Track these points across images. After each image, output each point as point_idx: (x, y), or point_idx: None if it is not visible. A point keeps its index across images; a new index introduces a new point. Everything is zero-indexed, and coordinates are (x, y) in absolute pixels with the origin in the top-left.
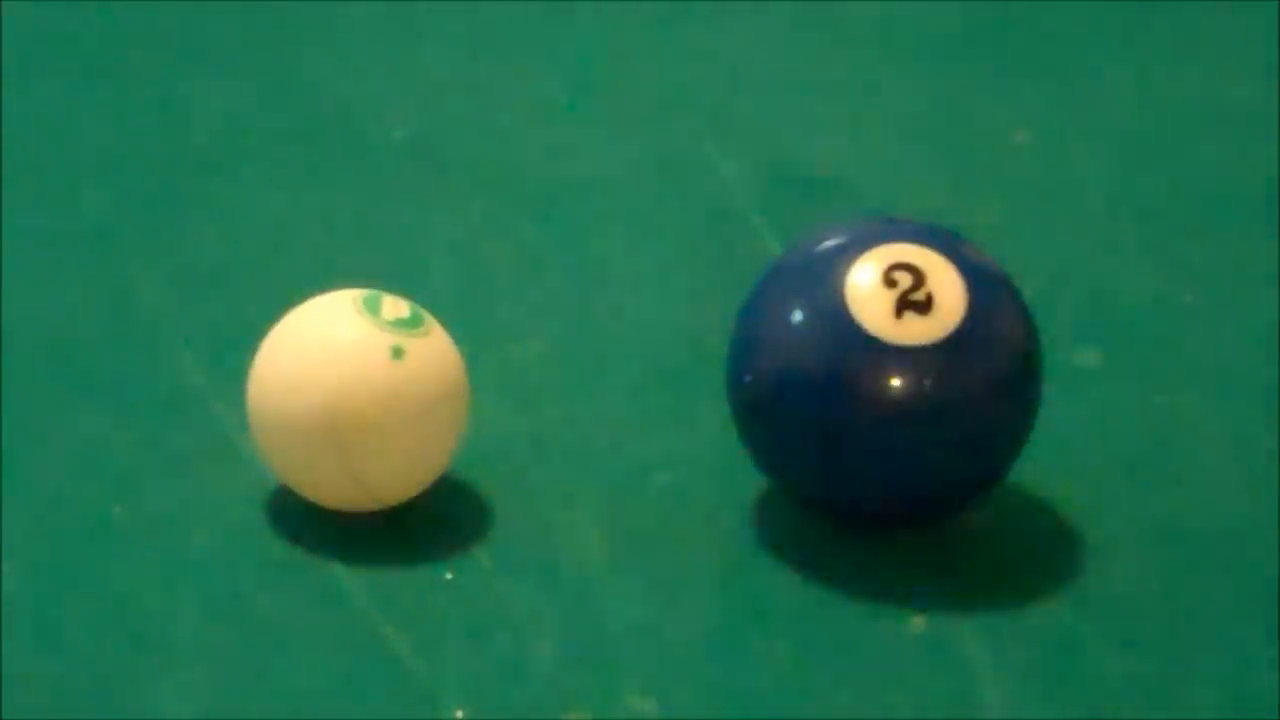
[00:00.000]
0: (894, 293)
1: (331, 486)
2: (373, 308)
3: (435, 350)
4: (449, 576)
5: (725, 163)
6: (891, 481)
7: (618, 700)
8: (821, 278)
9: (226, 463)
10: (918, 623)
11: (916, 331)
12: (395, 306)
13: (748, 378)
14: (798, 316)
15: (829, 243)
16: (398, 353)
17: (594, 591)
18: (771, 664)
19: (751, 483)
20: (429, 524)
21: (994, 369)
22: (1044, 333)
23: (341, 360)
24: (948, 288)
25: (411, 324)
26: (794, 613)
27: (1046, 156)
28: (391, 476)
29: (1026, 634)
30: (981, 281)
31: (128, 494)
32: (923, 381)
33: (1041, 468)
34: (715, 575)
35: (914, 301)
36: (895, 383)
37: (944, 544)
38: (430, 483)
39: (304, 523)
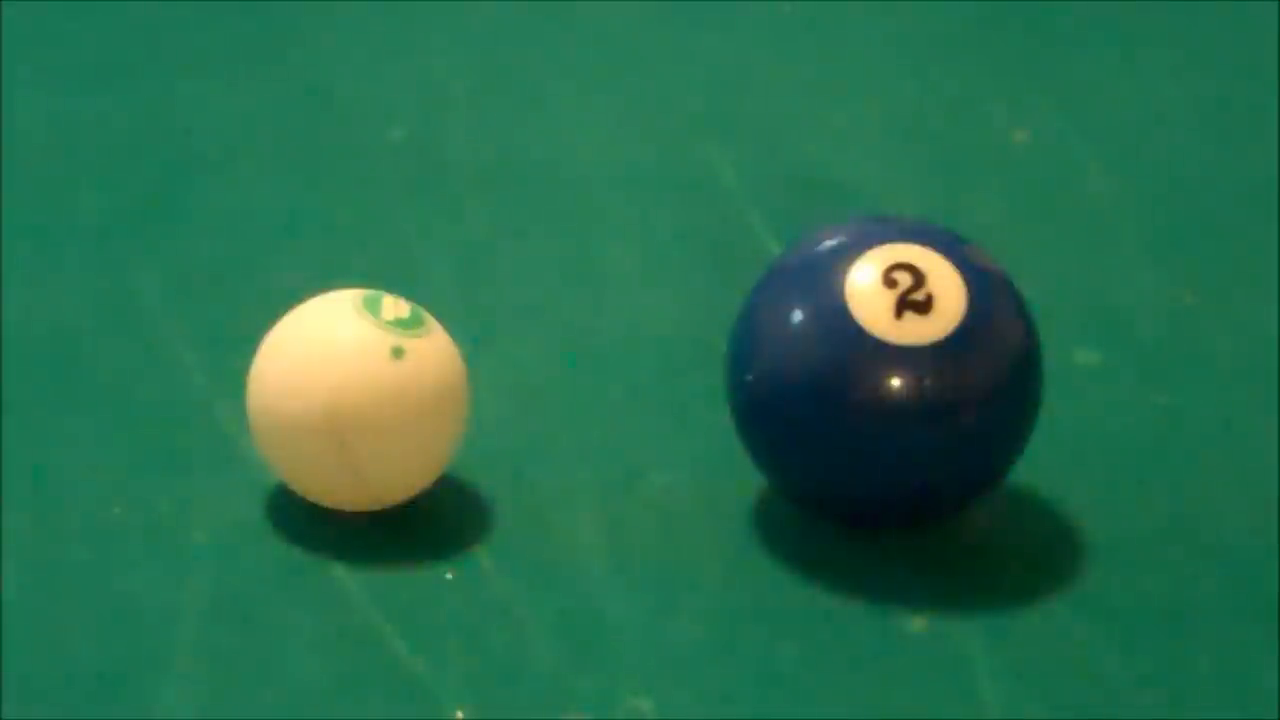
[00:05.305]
0: (894, 293)
1: (331, 486)
2: (373, 308)
3: (435, 350)
4: (449, 576)
5: (725, 163)
6: (891, 481)
7: (617, 700)
8: (821, 278)
9: (226, 463)
10: (918, 623)
11: (916, 331)
12: (395, 306)
13: (748, 378)
14: (798, 316)
15: (829, 243)
16: (398, 353)
17: (594, 591)
18: (771, 664)
19: (751, 483)
20: (429, 524)
21: (994, 369)
22: (1044, 333)
23: (341, 360)
24: (948, 288)
25: (411, 324)
26: (794, 613)
27: (1046, 156)
28: (391, 476)
29: (1026, 634)
30: (981, 281)
31: (128, 494)
32: (923, 381)
33: (1041, 468)
34: (715, 575)
35: (914, 301)
36: (895, 383)
37: (944, 544)
38: (430, 483)
39: (304, 523)
